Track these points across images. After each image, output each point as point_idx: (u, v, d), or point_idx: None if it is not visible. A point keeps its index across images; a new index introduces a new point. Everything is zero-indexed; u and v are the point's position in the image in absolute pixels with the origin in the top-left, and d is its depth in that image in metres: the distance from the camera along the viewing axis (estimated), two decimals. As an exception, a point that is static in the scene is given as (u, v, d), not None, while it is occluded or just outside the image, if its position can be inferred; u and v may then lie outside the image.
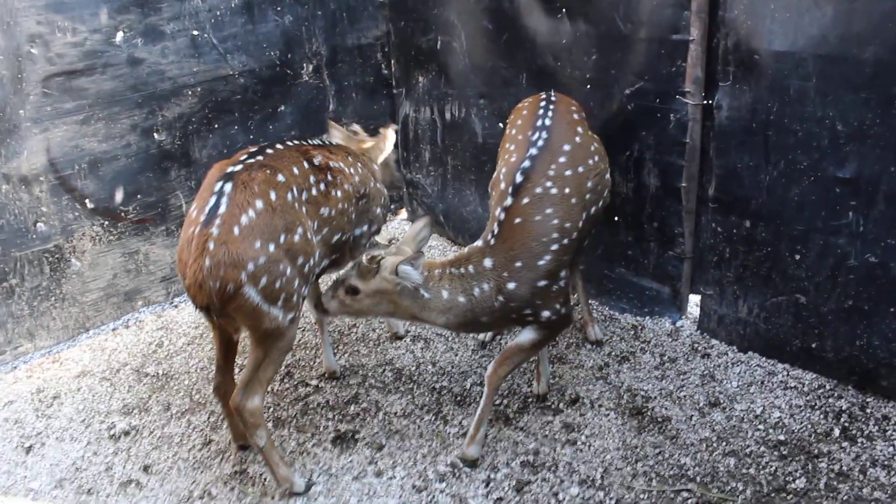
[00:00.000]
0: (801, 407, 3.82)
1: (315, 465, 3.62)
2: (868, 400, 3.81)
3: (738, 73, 3.92)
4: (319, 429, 3.86)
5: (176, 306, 5.07)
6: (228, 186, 3.05)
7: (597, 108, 4.49)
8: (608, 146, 4.38)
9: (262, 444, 3.32)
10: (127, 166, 4.73)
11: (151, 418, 4.00)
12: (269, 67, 5.17)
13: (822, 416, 3.75)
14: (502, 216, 3.38)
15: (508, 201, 3.39)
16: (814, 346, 3.99)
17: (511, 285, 3.30)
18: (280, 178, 3.22)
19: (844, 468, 3.43)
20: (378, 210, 4.03)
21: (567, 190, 3.44)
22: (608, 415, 3.86)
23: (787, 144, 3.82)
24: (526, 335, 3.50)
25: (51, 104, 4.36)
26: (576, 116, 3.81)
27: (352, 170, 3.77)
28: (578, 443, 3.69)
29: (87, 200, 4.60)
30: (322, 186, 3.48)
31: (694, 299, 4.57)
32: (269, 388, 3.59)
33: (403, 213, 6.25)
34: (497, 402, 3.98)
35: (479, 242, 3.44)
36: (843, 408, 3.78)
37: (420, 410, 3.98)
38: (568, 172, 3.48)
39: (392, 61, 5.72)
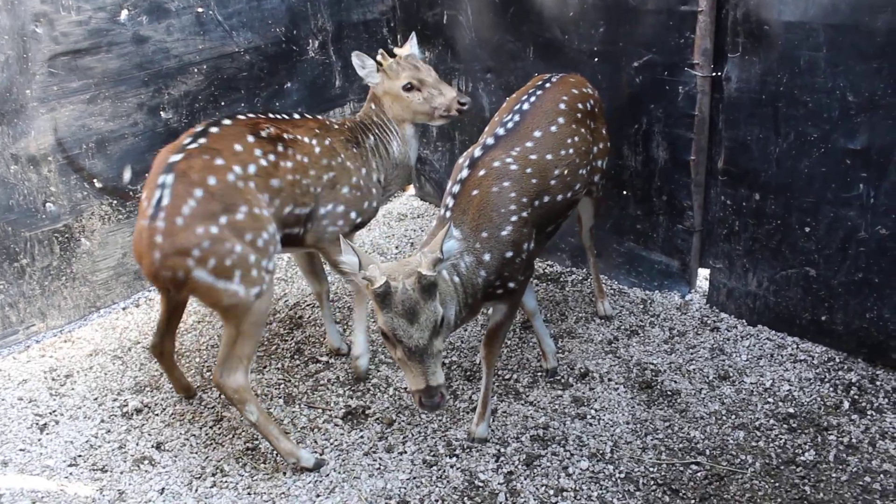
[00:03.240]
0: (810, 380, 3.82)
1: (326, 441, 3.65)
2: (878, 372, 3.80)
3: (747, 45, 3.87)
4: (330, 405, 3.88)
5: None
6: (170, 178, 3.16)
7: (605, 81, 4.46)
8: (616, 120, 4.37)
9: (253, 420, 3.38)
10: (134, 145, 4.73)
11: (163, 396, 4.03)
12: (275, 44, 5.15)
13: (831, 389, 3.75)
14: (456, 189, 3.29)
15: (464, 173, 3.32)
16: (823, 318, 3.98)
17: (486, 257, 3.18)
18: (219, 161, 3.28)
19: (854, 441, 3.43)
20: (347, 191, 3.78)
21: (529, 170, 3.35)
22: (617, 389, 3.87)
23: (796, 116, 3.79)
24: (498, 312, 3.47)
25: (57, 84, 4.36)
26: (563, 106, 3.63)
27: (314, 141, 3.70)
28: (588, 417, 3.70)
29: (95, 180, 4.61)
30: (271, 157, 3.48)
31: (703, 273, 4.56)
32: (251, 364, 3.51)
33: (411, 189, 6.24)
34: (507, 376, 3.99)
35: (436, 221, 3.34)
36: (853, 380, 3.78)
37: (430, 386, 3.99)
38: (532, 156, 3.40)
39: (398, 36, 5.68)
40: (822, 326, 4.01)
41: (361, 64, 3.95)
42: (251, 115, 3.65)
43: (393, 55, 4.04)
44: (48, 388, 4.15)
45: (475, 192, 3.25)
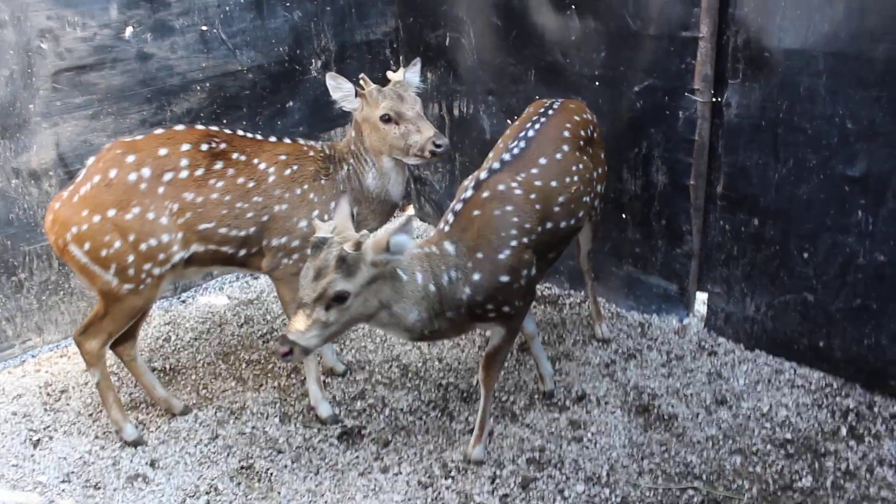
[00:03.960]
0: (808, 405, 3.81)
1: (321, 461, 3.63)
2: (875, 399, 3.80)
3: (747, 71, 3.90)
4: (326, 424, 3.86)
5: (183, 301, 5.08)
6: (90, 160, 3.52)
7: (606, 105, 4.48)
8: (616, 144, 4.40)
9: (95, 381, 3.71)
10: (135, 161, 4.73)
11: (158, 413, 4.01)
12: (278, 63, 5.18)
13: (829, 415, 3.74)
14: (459, 206, 3.31)
15: (468, 193, 3.33)
16: (821, 344, 3.98)
17: (476, 276, 3.17)
18: (130, 158, 3.44)
19: (851, 467, 3.42)
20: (304, 225, 3.65)
21: (532, 196, 3.36)
22: (614, 412, 3.86)
23: (796, 142, 3.81)
24: (496, 335, 3.45)
25: (60, 99, 4.37)
26: (566, 133, 3.66)
27: (271, 169, 3.63)
28: (584, 440, 3.68)
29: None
30: (198, 171, 3.50)
31: (701, 297, 4.56)
32: (111, 340, 3.63)
33: (411, 210, 6.25)
34: (504, 398, 3.98)
35: (433, 232, 3.37)
36: (851, 406, 3.77)
37: (426, 407, 3.98)
38: (538, 183, 3.41)
39: (400, 57, 5.71)
40: (820, 352, 4.00)
41: (337, 86, 3.73)
42: (212, 129, 3.69)
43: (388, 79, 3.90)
44: (43, 403, 4.13)
45: (476, 213, 3.26)
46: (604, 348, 4.39)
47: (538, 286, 5.08)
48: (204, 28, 4.80)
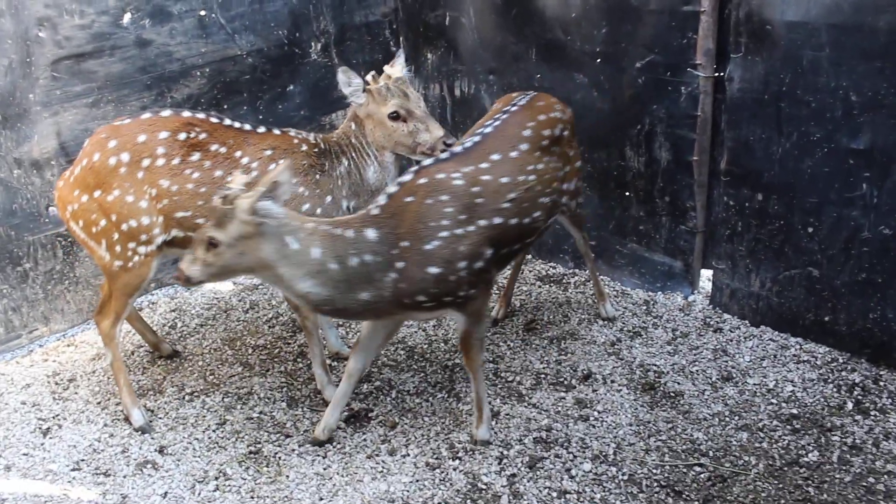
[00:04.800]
0: (813, 380, 3.81)
1: (329, 444, 3.64)
2: (881, 373, 3.79)
3: (749, 45, 3.87)
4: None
5: (189, 288, 5.10)
6: (86, 142, 3.66)
7: (607, 81, 4.46)
8: (618, 120, 4.38)
9: (107, 363, 3.85)
10: (137, 149, 4.73)
11: (166, 399, 4.04)
12: (278, 47, 5.15)
13: (835, 390, 3.74)
14: (393, 189, 3.24)
15: (406, 178, 3.26)
16: (827, 319, 3.97)
17: (400, 264, 3.12)
18: (112, 143, 3.54)
19: (857, 441, 3.42)
20: None
21: (475, 189, 3.27)
22: (620, 390, 3.87)
23: (799, 116, 3.78)
24: (459, 321, 3.40)
25: (60, 88, 4.37)
26: (527, 132, 3.55)
27: (255, 164, 3.61)
28: (591, 418, 3.69)
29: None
30: (175, 161, 3.54)
31: (706, 273, 4.55)
32: (119, 319, 3.76)
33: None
34: (510, 378, 3.99)
35: (361, 211, 3.31)
36: (857, 381, 3.76)
37: (433, 388, 4.00)
38: (485, 177, 3.32)
39: (400, 38, 5.68)
40: (826, 327, 3.99)
41: (347, 81, 3.73)
42: (199, 116, 3.68)
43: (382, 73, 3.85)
44: (51, 392, 4.15)
45: (409, 199, 3.18)
46: (609, 327, 4.38)
47: (542, 264, 5.09)
48: (202, 13, 4.78)
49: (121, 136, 3.56)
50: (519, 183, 3.41)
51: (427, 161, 3.35)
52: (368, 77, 3.80)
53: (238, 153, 3.62)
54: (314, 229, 3.09)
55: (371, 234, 3.12)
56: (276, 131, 3.77)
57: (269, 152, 3.66)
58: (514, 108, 3.67)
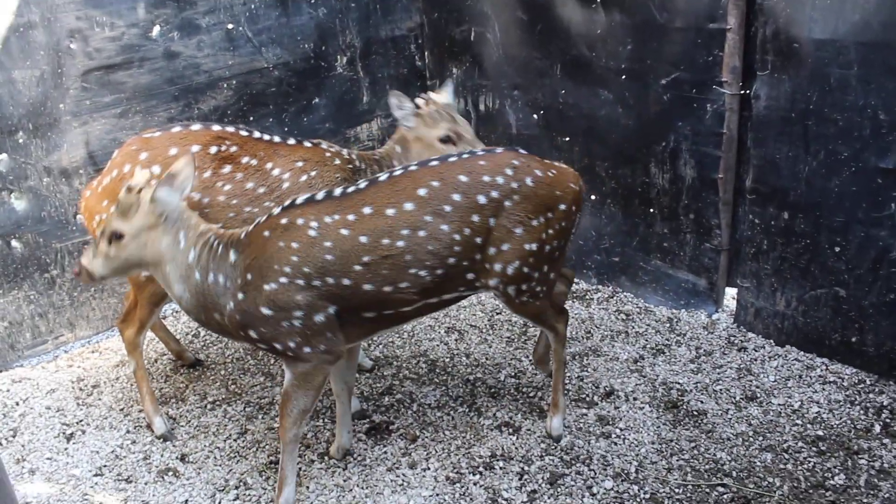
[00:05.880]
0: (840, 402, 3.76)
1: (349, 456, 3.64)
2: (910, 395, 3.74)
3: (776, 62, 3.85)
4: (354, 420, 3.87)
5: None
6: (116, 153, 3.68)
7: (632, 98, 4.46)
8: (643, 138, 4.37)
9: (131, 369, 3.86)
10: (164, 159, 4.78)
11: (188, 408, 4.06)
12: (304, 60, 5.20)
13: (862, 412, 3.69)
14: (262, 219, 3.10)
15: (275, 210, 3.10)
16: (854, 339, 3.92)
17: (240, 295, 3.00)
18: (143, 155, 3.55)
19: (886, 465, 3.37)
20: None
21: (327, 244, 2.97)
22: (643, 408, 3.84)
23: (827, 134, 3.76)
24: (286, 379, 3.16)
25: (89, 98, 4.43)
26: (423, 191, 3.05)
27: (285, 175, 3.62)
28: (613, 436, 3.66)
29: (125, 193, 4.66)
30: (206, 174, 3.52)
31: (730, 292, 4.51)
32: (144, 328, 3.80)
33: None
34: (531, 394, 3.97)
35: (238, 230, 3.17)
36: (885, 403, 3.71)
37: (454, 402, 3.99)
38: (343, 231, 3.00)
39: (426, 53, 5.71)
40: (853, 348, 3.94)
41: (399, 105, 3.81)
42: (228, 129, 3.69)
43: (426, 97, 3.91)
44: (75, 397, 4.19)
45: (266, 234, 3.03)
46: (632, 343, 4.36)
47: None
48: (230, 26, 4.83)
49: (152, 148, 3.57)
50: (382, 248, 3.00)
51: (300, 198, 3.10)
52: (419, 100, 3.86)
53: (269, 165, 3.63)
54: (201, 232, 3.08)
55: (232, 255, 3.05)
56: (307, 143, 3.79)
57: (300, 164, 3.67)
58: (452, 159, 3.22)
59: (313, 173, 3.66)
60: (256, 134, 3.74)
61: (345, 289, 3.01)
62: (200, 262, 3.04)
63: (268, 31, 4.99)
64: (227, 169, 3.58)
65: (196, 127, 3.68)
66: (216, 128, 3.70)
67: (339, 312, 3.06)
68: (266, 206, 3.55)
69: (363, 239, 3.00)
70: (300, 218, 3.01)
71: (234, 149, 3.62)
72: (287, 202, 3.12)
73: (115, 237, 2.98)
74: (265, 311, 2.98)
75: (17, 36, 4.12)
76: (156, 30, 4.58)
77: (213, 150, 3.59)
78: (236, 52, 4.90)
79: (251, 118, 5.04)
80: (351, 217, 3.02)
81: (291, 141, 3.76)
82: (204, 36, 4.76)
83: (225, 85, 4.90)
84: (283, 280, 2.96)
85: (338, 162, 3.74)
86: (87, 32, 4.34)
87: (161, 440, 3.80)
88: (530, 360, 4.24)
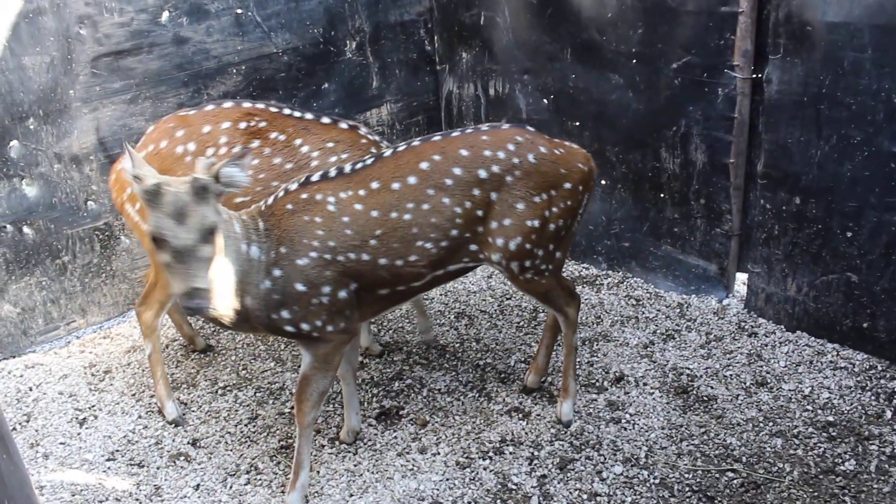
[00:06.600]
0: (851, 388, 3.75)
1: (360, 441, 3.66)
2: (922, 381, 3.73)
3: (789, 46, 3.82)
4: (364, 405, 3.89)
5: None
6: (150, 128, 3.76)
7: (643, 82, 4.43)
8: (654, 122, 4.34)
9: (147, 353, 3.86)
10: (174, 145, 4.79)
11: (199, 393, 4.08)
12: (313, 45, 5.18)
13: (873, 398, 3.68)
14: (280, 193, 3.10)
15: (292, 186, 3.11)
16: (865, 325, 3.91)
17: (277, 272, 2.97)
18: (178, 133, 3.62)
19: (896, 450, 3.36)
20: None
21: (345, 219, 3.03)
22: (653, 393, 3.83)
23: (840, 118, 3.72)
24: (303, 361, 3.18)
25: (99, 84, 4.43)
26: (425, 165, 3.12)
27: (315, 153, 3.62)
28: (623, 421, 3.67)
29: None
30: (236, 149, 3.49)
31: (741, 277, 4.49)
32: (162, 310, 3.83)
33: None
34: (542, 379, 3.96)
35: (258, 203, 3.15)
36: (896, 389, 3.70)
37: (464, 387, 3.99)
38: (357, 206, 3.05)
39: (435, 37, 5.68)
40: (864, 333, 3.93)
41: None
42: (258, 105, 3.73)
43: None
44: (88, 383, 4.22)
45: (290, 207, 3.04)
46: (642, 329, 4.35)
47: (575, 265, 5.06)
48: (239, 11, 4.82)
49: (187, 126, 3.64)
50: (389, 221, 3.06)
51: (315, 177, 3.13)
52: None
53: (298, 141, 3.66)
54: (234, 215, 2.98)
55: (261, 223, 3.02)
56: (343, 125, 3.76)
57: (330, 144, 3.68)
58: (455, 134, 3.28)
59: (344, 156, 3.65)
60: (287, 110, 3.76)
61: (364, 264, 3.07)
62: (245, 235, 2.94)
63: (277, 16, 4.98)
64: (256, 143, 3.62)
65: (228, 104, 3.75)
66: (247, 104, 3.75)
67: (357, 290, 3.09)
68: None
69: (374, 213, 3.07)
70: (318, 193, 3.06)
71: (262, 124, 3.66)
72: (301, 178, 3.16)
73: (212, 232, 2.68)
74: (300, 286, 3.00)
75: (26, 22, 4.12)
76: (165, 15, 4.57)
77: (243, 125, 3.65)
78: (245, 37, 4.88)
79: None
80: (362, 192, 3.08)
81: (326, 120, 3.77)
82: (213, 21, 4.75)
83: (234, 70, 4.90)
84: (313, 255, 3.01)
85: (365, 143, 3.73)
86: (96, 18, 4.34)
87: (173, 425, 3.83)
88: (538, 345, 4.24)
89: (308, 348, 3.15)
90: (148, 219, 2.68)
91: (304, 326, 3.06)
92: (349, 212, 3.05)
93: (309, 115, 3.76)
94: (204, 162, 2.81)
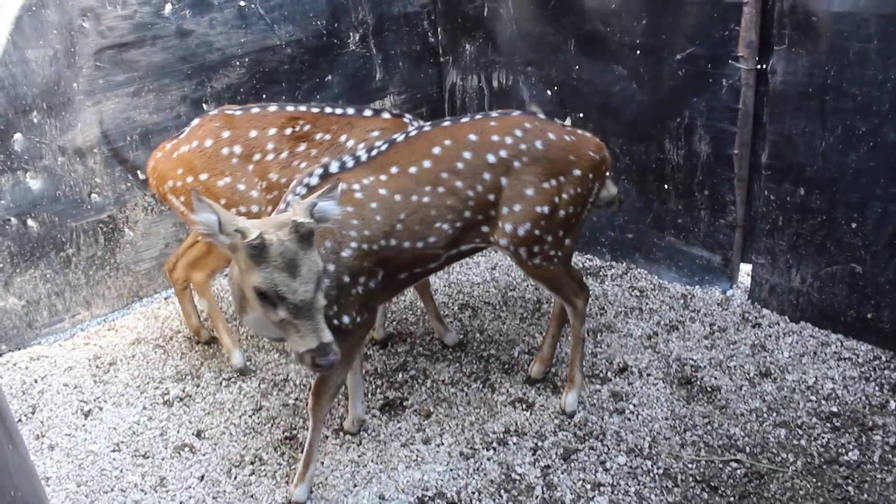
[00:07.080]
0: (855, 378, 3.75)
1: (364, 432, 3.67)
2: (926, 371, 3.72)
3: (794, 37, 3.80)
4: (368, 396, 3.90)
5: (227, 275, 5.14)
6: (195, 121, 3.80)
7: (647, 73, 4.42)
8: (658, 113, 4.33)
9: (206, 310, 4.16)
10: (177, 137, 4.79)
11: (204, 384, 4.09)
12: (316, 37, 5.17)
13: (877, 388, 3.67)
14: (302, 191, 3.04)
15: (314, 181, 3.05)
16: (869, 316, 3.90)
17: (331, 267, 2.94)
18: (224, 133, 3.69)
19: (900, 441, 3.36)
20: None
21: (374, 205, 3.05)
22: (656, 384, 3.84)
23: (845, 109, 3.71)
24: None
25: (103, 77, 4.43)
26: (437, 150, 3.17)
27: (360, 146, 3.62)
28: (626, 412, 3.67)
29: (139, 171, 4.68)
30: (283, 154, 3.65)
31: (745, 268, 4.49)
32: (214, 275, 4.13)
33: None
34: (547, 371, 3.97)
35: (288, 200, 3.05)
36: (900, 379, 3.70)
37: (468, 378, 4.00)
38: (382, 191, 3.08)
39: (438, 29, 5.67)
40: (868, 324, 3.92)
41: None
42: (301, 109, 3.76)
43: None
44: (92, 375, 4.23)
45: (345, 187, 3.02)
46: (646, 320, 4.35)
47: (579, 256, 5.06)
48: (242, 3, 4.81)
49: (233, 128, 3.71)
50: (411, 204, 3.10)
51: (333, 166, 3.11)
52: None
53: (343, 137, 3.71)
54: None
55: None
56: (386, 115, 3.80)
57: (376, 133, 3.71)
58: (465, 119, 3.31)
59: None
60: (328, 109, 3.81)
61: (391, 250, 3.10)
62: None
63: (280, 8, 4.97)
64: (303, 147, 3.67)
65: (272, 108, 3.80)
66: (290, 108, 3.80)
67: (383, 277, 3.13)
68: None
69: (398, 197, 3.10)
70: (342, 183, 2.97)
71: (307, 127, 3.72)
72: (319, 169, 3.11)
73: (321, 280, 2.62)
74: (346, 279, 3.01)
75: (29, 15, 4.12)
76: (168, 8, 4.57)
77: (288, 131, 3.70)
78: (249, 29, 4.88)
79: (264, 96, 5.03)
80: (383, 177, 3.12)
81: (368, 112, 3.81)
82: (216, 13, 4.74)
83: (238, 63, 4.89)
84: (353, 245, 3.02)
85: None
86: (99, 11, 4.33)
87: (239, 374, 4.04)
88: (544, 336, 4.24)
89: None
90: (253, 277, 2.54)
91: (345, 319, 3.05)
92: (375, 198, 3.07)
93: (350, 111, 3.80)
94: (303, 204, 2.64)
